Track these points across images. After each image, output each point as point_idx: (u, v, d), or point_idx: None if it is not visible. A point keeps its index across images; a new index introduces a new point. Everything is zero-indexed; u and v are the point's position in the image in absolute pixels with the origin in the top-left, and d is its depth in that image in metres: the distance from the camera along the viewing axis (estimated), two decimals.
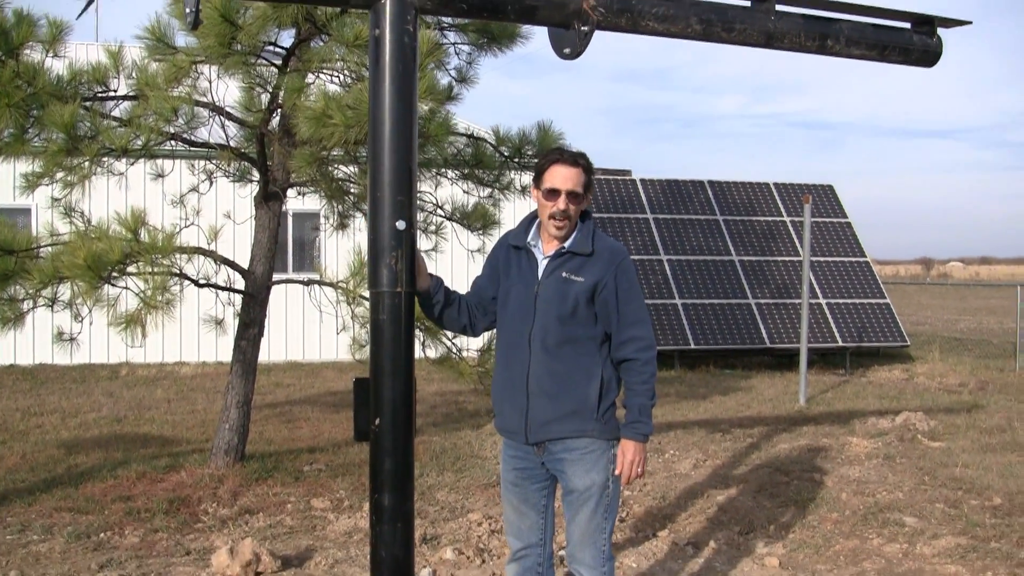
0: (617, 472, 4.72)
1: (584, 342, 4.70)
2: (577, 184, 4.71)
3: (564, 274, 4.71)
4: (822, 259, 21.20)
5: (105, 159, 9.13)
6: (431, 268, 4.82)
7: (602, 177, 22.08)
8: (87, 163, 8.99)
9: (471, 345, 10.12)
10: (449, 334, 9.75)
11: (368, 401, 3.98)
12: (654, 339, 4.77)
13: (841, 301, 20.60)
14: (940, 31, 5.01)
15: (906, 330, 22.17)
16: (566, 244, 4.76)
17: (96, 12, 45.08)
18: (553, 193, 4.70)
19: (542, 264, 4.81)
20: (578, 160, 4.76)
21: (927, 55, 5.00)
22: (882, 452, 10.75)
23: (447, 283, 4.87)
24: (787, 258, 21.13)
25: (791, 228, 21.69)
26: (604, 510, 4.79)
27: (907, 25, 4.93)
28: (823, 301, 20.42)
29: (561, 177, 4.70)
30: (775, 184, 22.56)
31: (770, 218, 21.83)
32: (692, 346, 19.10)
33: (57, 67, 9.11)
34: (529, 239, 4.89)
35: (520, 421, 4.79)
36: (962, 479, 9.50)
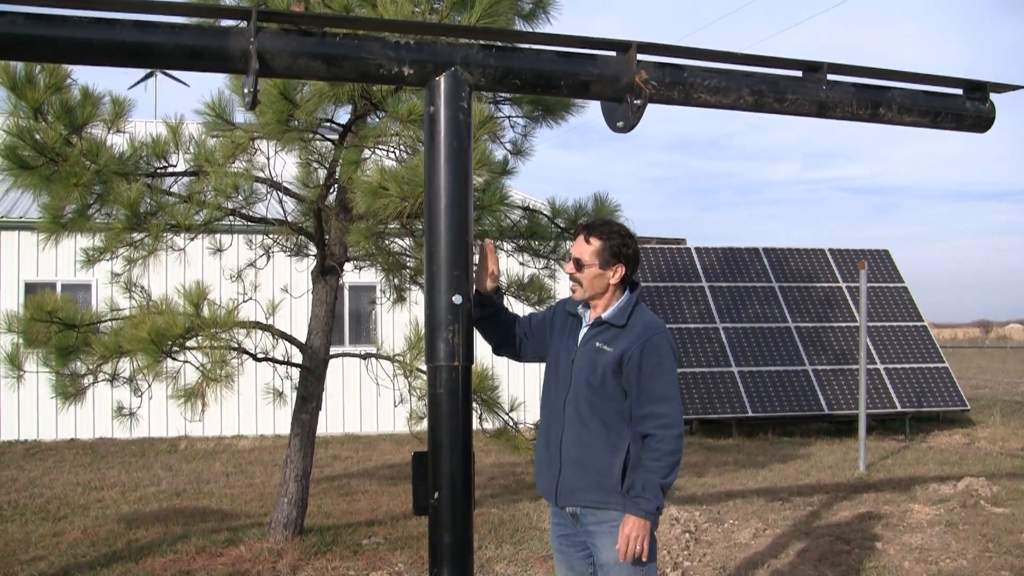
0: (617, 547, 4.62)
1: (612, 416, 4.71)
2: (583, 252, 4.83)
3: (598, 344, 4.78)
4: (879, 324, 21.05)
5: (166, 235, 9.25)
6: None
7: (657, 246, 22.08)
8: (149, 239, 9.11)
9: (528, 418, 10.09)
10: (506, 407, 9.75)
11: (427, 475, 3.99)
12: (679, 419, 4.69)
13: (899, 366, 20.41)
14: (992, 96, 5.01)
15: (966, 394, 21.93)
16: (604, 315, 4.84)
17: (155, 91, 45.84)
18: (568, 260, 4.90)
19: (582, 332, 4.90)
20: (591, 230, 4.87)
21: (980, 120, 4.99)
22: (944, 519, 10.61)
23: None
24: (844, 324, 20.99)
25: (847, 294, 21.57)
26: None
27: (959, 91, 4.93)
28: (881, 366, 20.25)
29: (575, 246, 4.89)
30: (830, 250, 22.47)
31: (826, 284, 21.72)
32: (750, 414, 18.98)
33: (118, 143, 9.26)
34: (580, 307, 5.00)
35: (552, 485, 4.87)
36: None
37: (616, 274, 4.86)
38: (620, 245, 4.87)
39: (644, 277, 20.80)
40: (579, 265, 4.83)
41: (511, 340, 5.16)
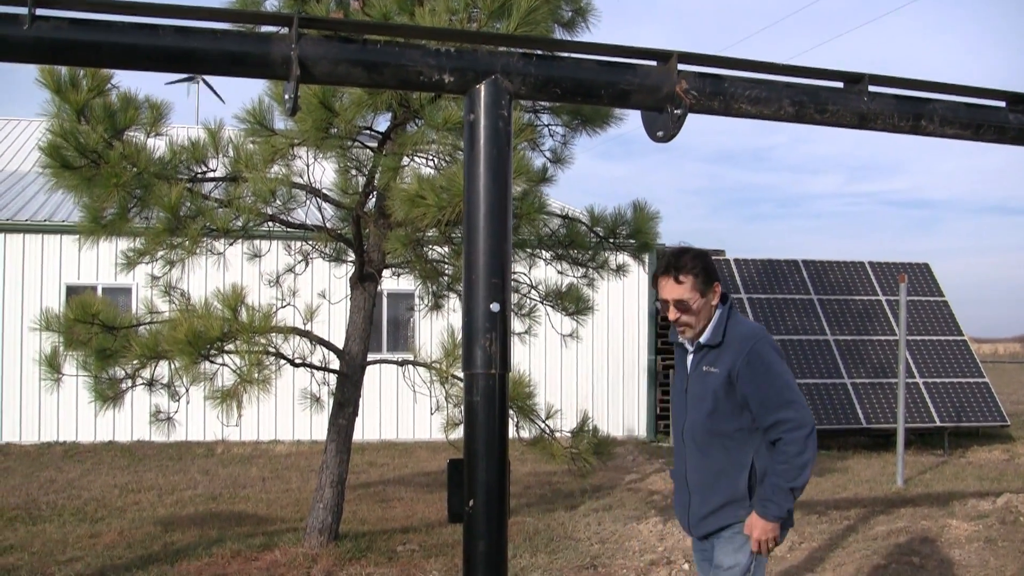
0: (753, 549, 4.73)
1: (732, 435, 4.76)
2: (682, 294, 4.83)
3: (705, 368, 4.84)
4: (919, 338, 20.91)
5: (205, 239, 9.31)
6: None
7: None
8: (189, 242, 9.17)
9: (564, 427, 10.09)
10: (542, 415, 9.76)
11: (462, 482, 3.99)
12: (806, 418, 4.69)
13: (938, 380, 20.27)
14: None
15: (1006, 409, 21.74)
16: (702, 339, 4.87)
17: (197, 96, 46.15)
18: (664, 304, 4.90)
19: (690, 359, 4.96)
20: (670, 269, 4.87)
21: (1023, 133, 4.95)
22: (983, 535, 10.52)
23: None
24: (883, 337, 20.86)
25: (887, 307, 21.43)
26: None
27: (1002, 104, 4.90)
28: (920, 380, 20.11)
29: (665, 290, 4.89)
30: (870, 263, 22.35)
31: (866, 297, 21.59)
32: None
33: (158, 147, 9.34)
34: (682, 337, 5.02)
35: (684, 514, 5.00)
36: None
37: (716, 295, 4.91)
38: (705, 266, 4.89)
39: None
40: (685, 308, 4.84)
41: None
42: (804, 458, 4.64)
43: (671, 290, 4.85)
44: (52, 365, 9.41)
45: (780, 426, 4.64)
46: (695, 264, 4.84)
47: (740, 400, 4.71)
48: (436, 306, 11.19)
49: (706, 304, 4.86)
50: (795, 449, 4.61)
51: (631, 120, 11.49)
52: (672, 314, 4.86)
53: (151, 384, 9.45)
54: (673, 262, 4.88)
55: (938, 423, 19.36)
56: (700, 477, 4.82)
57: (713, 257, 17.02)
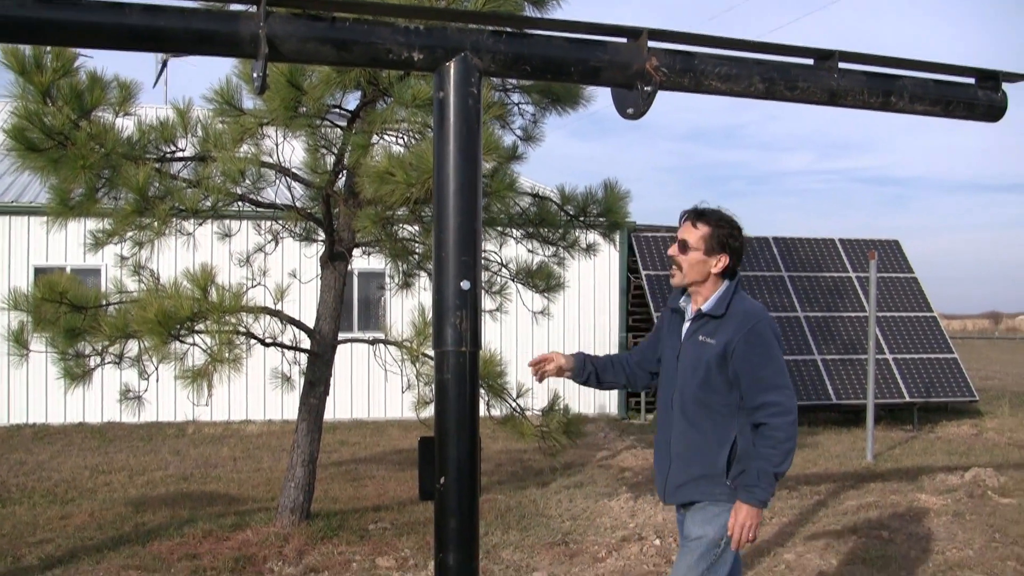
0: (729, 533, 4.68)
1: (718, 409, 4.74)
2: (690, 235, 4.86)
3: (701, 337, 4.81)
4: (888, 314, 21.01)
5: (174, 219, 9.26)
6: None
7: (667, 235, 22.02)
8: (158, 223, 9.12)
9: (535, 405, 10.10)
10: (513, 393, 9.76)
11: (433, 460, 3.99)
12: (792, 406, 4.69)
13: (908, 356, 20.38)
14: (1005, 85, 4.99)
15: (975, 385, 21.88)
16: (704, 307, 4.85)
17: (166, 78, 45.92)
18: (674, 242, 4.94)
19: (685, 326, 4.94)
20: (700, 216, 4.91)
21: (992, 110, 4.97)
22: (951, 509, 10.61)
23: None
24: (853, 314, 20.94)
25: (857, 284, 21.52)
26: (708, 566, 4.76)
27: (971, 80, 4.91)
28: (890, 357, 20.21)
29: (682, 230, 4.92)
30: (840, 240, 22.42)
31: (836, 274, 21.67)
32: None
33: (127, 126, 9.27)
34: (682, 301, 5.03)
35: (662, 481, 4.97)
36: None
37: (719, 263, 4.87)
38: (728, 235, 4.86)
39: (655, 266, 20.79)
40: (684, 247, 4.85)
41: (641, 373, 5.30)
42: (790, 444, 4.64)
43: (684, 230, 4.89)
44: (19, 341, 9.35)
45: (768, 408, 4.62)
46: (718, 224, 4.85)
47: (731, 376, 4.70)
48: (406, 285, 11.18)
49: (702, 264, 4.84)
50: (783, 435, 4.60)
51: (603, 98, 11.52)
52: (673, 249, 4.88)
53: (119, 361, 9.39)
54: (700, 210, 4.93)
55: (908, 399, 19.48)
56: (683, 446, 4.80)
57: None
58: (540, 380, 5.17)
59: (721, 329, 4.74)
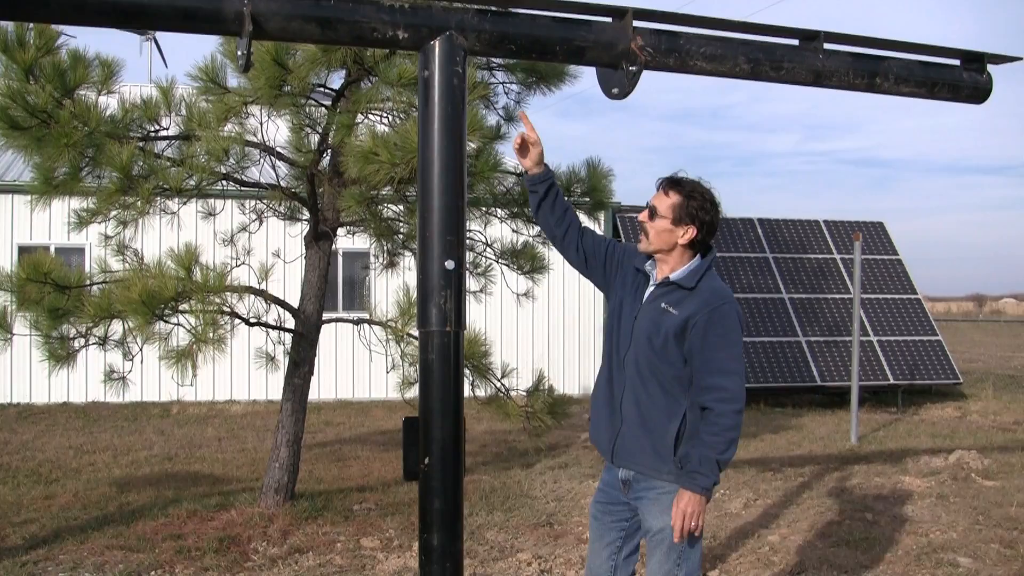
0: (672, 522, 4.54)
1: (670, 380, 4.62)
2: (660, 203, 4.74)
3: (663, 304, 4.68)
4: (873, 296, 21.06)
5: (158, 198, 9.24)
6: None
7: None
8: (141, 202, 9.09)
9: (520, 385, 10.09)
10: (498, 374, 9.76)
11: (417, 440, 3.98)
12: (741, 394, 4.59)
13: (892, 339, 20.43)
14: (990, 67, 4.99)
15: (959, 367, 21.96)
16: (672, 275, 4.75)
17: (149, 54, 45.66)
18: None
19: (648, 290, 4.83)
20: (673, 184, 4.79)
21: (977, 92, 4.98)
22: (935, 491, 10.65)
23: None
24: (837, 295, 20.99)
25: (841, 265, 21.56)
26: (677, 557, 4.66)
27: (956, 62, 4.91)
28: (874, 339, 20.26)
29: (655, 197, 4.80)
30: (825, 222, 22.46)
31: (820, 256, 21.71)
32: None
33: (110, 105, 9.23)
34: (647, 264, 4.90)
35: (610, 442, 4.84)
36: (1017, 518, 9.39)
37: (686, 235, 4.72)
38: (698, 208, 4.73)
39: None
40: (652, 213, 4.75)
41: (574, 235, 5.06)
42: (735, 433, 4.55)
43: (656, 197, 4.78)
44: (2, 325, 9.32)
45: (716, 392, 4.52)
46: (690, 195, 4.70)
47: (684, 351, 4.62)
48: (391, 264, 11.16)
49: (668, 233, 4.73)
50: (728, 422, 4.51)
51: (588, 78, 11.51)
52: (642, 215, 4.78)
53: (104, 343, 9.37)
54: (676, 179, 4.80)
55: (892, 381, 19.54)
56: (636, 411, 4.69)
57: None
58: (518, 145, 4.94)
59: (686, 302, 4.64)
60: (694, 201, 4.73)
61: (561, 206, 4.98)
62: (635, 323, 4.77)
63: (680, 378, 4.63)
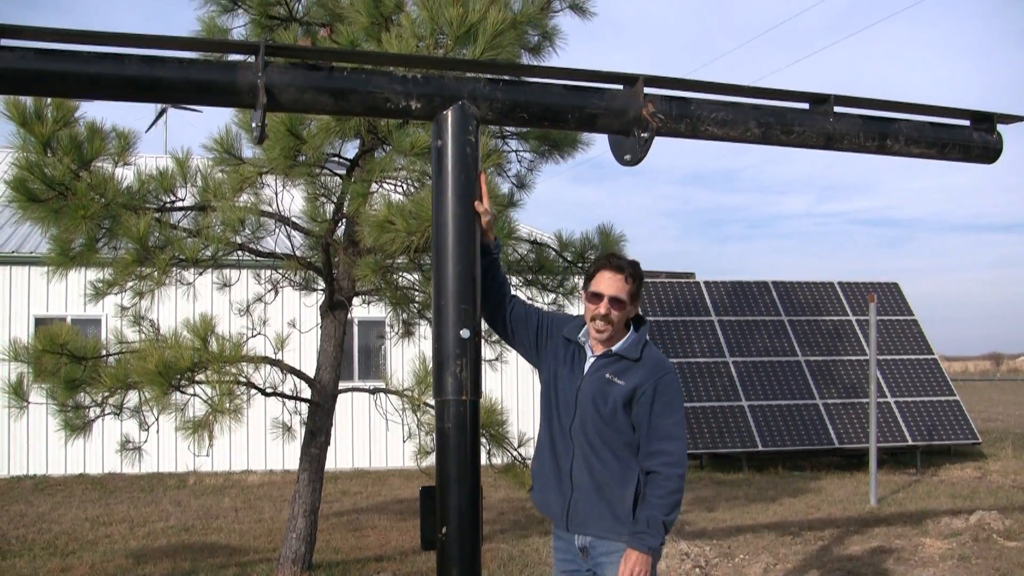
0: None
1: (621, 447, 4.70)
2: (620, 291, 4.74)
3: (608, 375, 4.74)
4: (889, 357, 20.98)
5: (174, 269, 9.27)
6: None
7: (666, 280, 22.06)
8: (158, 273, 9.13)
9: None
10: (514, 442, 9.73)
11: (434, 509, 3.98)
12: (684, 458, 4.69)
13: (909, 399, 20.33)
14: (1000, 127, 5.01)
15: (977, 427, 21.83)
16: (614, 348, 4.79)
17: (165, 125, 45.99)
18: (596, 297, 4.76)
19: (589, 361, 4.84)
20: (624, 267, 4.78)
21: (987, 152, 4.99)
22: (957, 553, 10.56)
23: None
24: (854, 357, 20.92)
25: (857, 327, 21.51)
26: None
27: (966, 123, 4.94)
28: (891, 400, 20.17)
29: (606, 283, 4.75)
30: (840, 283, 22.44)
31: (835, 317, 21.67)
32: (760, 448, 18.87)
33: (126, 176, 9.29)
34: (580, 336, 4.90)
35: (563, 509, 4.83)
36: None
37: (635, 310, 4.88)
38: (640, 284, 4.85)
39: (653, 311, 20.82)
40: (619, 306, 4.75)
41: (501, 311, 4.97)
42: (679, 496, 4.65)
43: (616, 285, 4.74)
44: (17, 393, 9.33)
45: (662, 456, 4.62)
46: (639, 276, 4.82)
47: (633, 419, 4.69)
48: (407, 333, 11.16)
49: (626, 317, 4.84)
50: (673, 485, 4.60)
51: (601, 144, 11.57)
52: (604, 308, 4.73)
53: (119, 412, 9.37)
54: (626, 262, 4.81)
55: (910, 442, 19.42)
56: (588, 479, 4.72)
57: (683, 280, 17.07)
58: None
59: (632, 372, 4.72)
60: (640, 278, 4.83)
61: (496, 280, 4.93)
62: (579, 393, 4.79)
63: (630, 444, 4.72)
